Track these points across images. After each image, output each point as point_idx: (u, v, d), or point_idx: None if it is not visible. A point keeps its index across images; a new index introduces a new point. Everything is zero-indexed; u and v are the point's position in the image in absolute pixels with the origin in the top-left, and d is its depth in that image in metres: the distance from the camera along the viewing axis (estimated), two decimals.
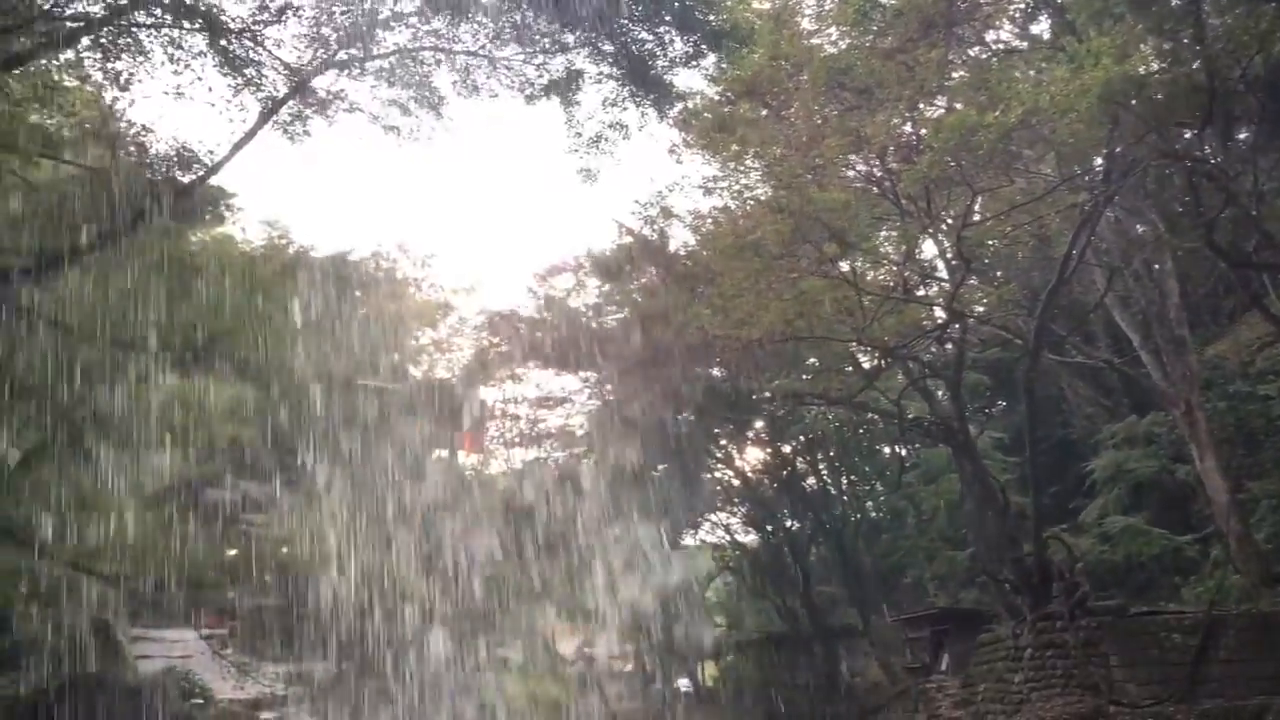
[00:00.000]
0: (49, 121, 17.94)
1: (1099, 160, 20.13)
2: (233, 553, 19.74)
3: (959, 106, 19.27)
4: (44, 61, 17.01)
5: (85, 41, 16.74)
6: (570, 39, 18.87)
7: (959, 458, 25.85)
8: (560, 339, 30.12)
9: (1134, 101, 17.48)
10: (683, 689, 39.76)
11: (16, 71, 16.21)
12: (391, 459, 21.36)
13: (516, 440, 34.44)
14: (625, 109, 19.82)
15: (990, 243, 23.49)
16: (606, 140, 20.37)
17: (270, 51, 17.56)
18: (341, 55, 18.46)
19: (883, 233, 24.46)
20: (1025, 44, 22.51)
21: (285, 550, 19.35)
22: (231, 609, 18.00)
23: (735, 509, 38.92)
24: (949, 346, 25.53)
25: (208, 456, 21.06)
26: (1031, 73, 19.10)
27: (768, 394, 30.59)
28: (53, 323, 17.48)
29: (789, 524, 37.39)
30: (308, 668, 18.16)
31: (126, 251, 17.37)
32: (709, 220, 27.44)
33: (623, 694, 30.76)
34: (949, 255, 24.30)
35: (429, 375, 32.81)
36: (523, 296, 33.14)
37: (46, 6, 15.22)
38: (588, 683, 30.46)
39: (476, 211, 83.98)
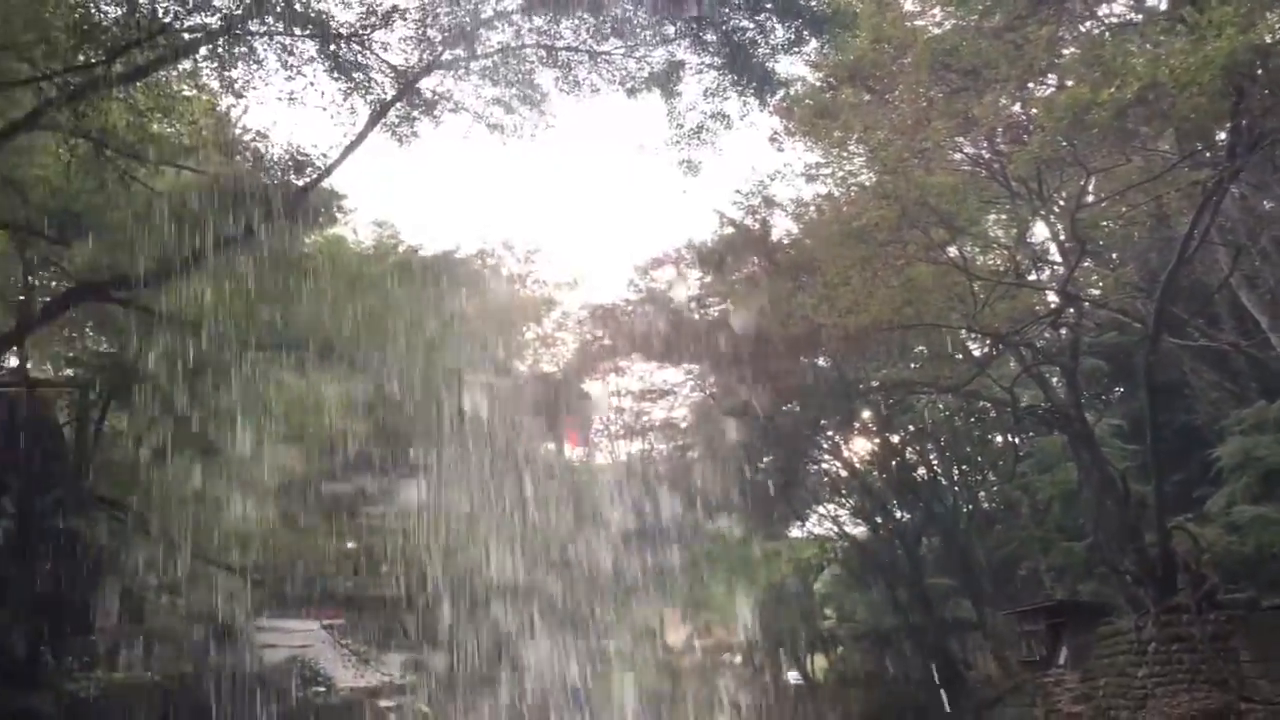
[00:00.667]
0: (170, 130, 18.65)
1: (1222, 135, 19.29)
2: (351, 545, 20.19)
3: (1071, 84, 18.65)
4: (164, 73, 17.68)
5: (202, 51, 17.34)
6: (671, 30, 18.86)
7: (1075, 446, 25.07)
8: (662, 331, 30.20)
9: (1260, 72, 16.68)
10: (792, 681, 39.49)
11: (139, 84, 16.86)
12: (500, 452, 21.67)
13: (621, 433, 34.68)
14: (726, 98, 19.73)
15: (1105, 224, 22.71)
16: (708, 130, 20.33)
17: (378, 55, 17.95)
18: (446, 56, 18.77)
19: (992, 216, 23.86)
20: (1140, 16, 21.68)
21: (401, 543, 19.77)
22: (351, 600, 18.53)
23: (843, 500, 38.47)
24: (1064, 332, 24.78)
25: (325, 452, 21.71)
26: (1148, 46, 18.38)
27: (875, 383, 30.15)
28: (177, 324, 18.20)
29: (899, 515, 36.79)
30: (423, 657, 18.58)
31: (245, 254, 17.97)
32: (812, 208, 27.15)
33: (730, 686, 30.68)
34: (1062, 238, 23.59)
35: (534, 370, 33.25)
36: (625, 290, 33.30)
37: (167, 20, 15.78)
38: (695, 674, 30.50)
39: (579, 206, 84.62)
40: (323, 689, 17.37)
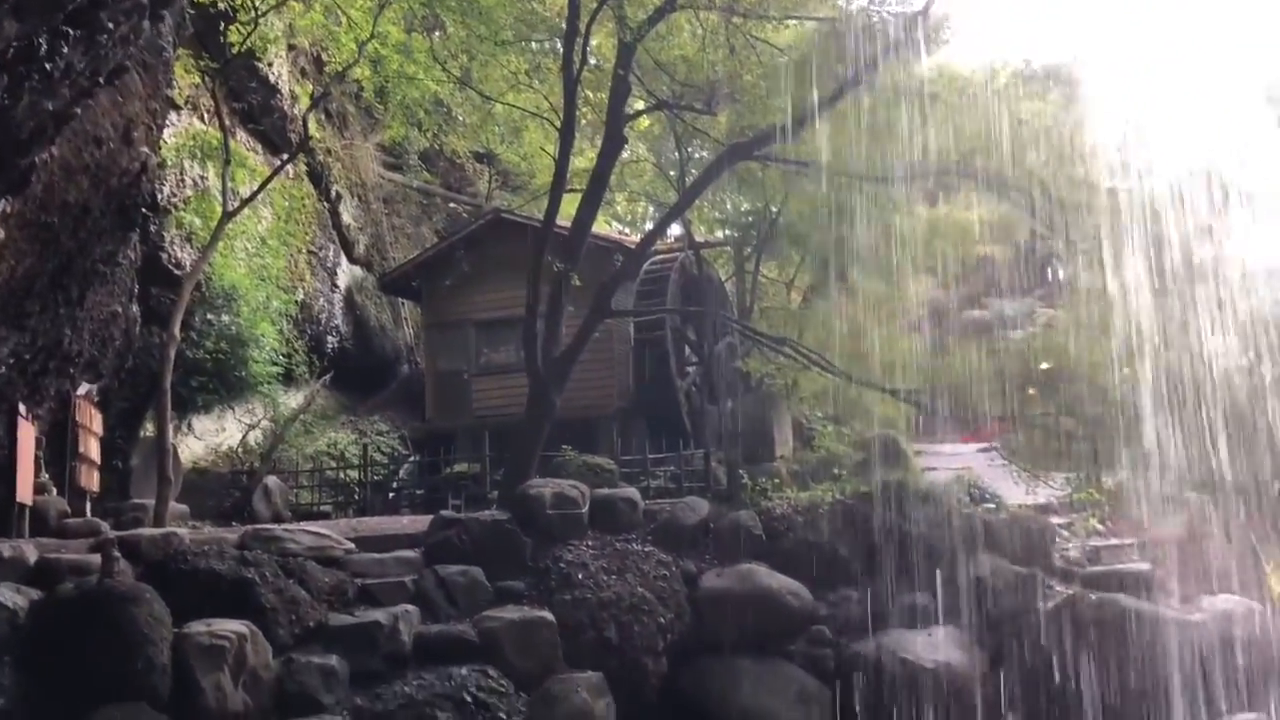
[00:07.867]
0: None
1: None
2: (998, 369, 20.09)
3: None
4: None
5: None
6: None
7: None
8: None
9: None
10: None
11: None
12: (1150, 260, 20.03)
13: None
14: None
15: None
16: None
17: None
18: None
19: None
20: None
21: (1047, 364, 19.22)
22: (1008, 420, 18.47)
23: None
24: None
25: (962, 278, 21.76)
26: None
27: None
28: (811, 171, 19.17)
29: None
30: (1092, 474, 18.03)
31: (865, 93, 18.29)
32: None
33: None
34: None
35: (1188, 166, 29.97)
36: None
37: None
38: None
39: None
40: (992, 505, 17.66)
